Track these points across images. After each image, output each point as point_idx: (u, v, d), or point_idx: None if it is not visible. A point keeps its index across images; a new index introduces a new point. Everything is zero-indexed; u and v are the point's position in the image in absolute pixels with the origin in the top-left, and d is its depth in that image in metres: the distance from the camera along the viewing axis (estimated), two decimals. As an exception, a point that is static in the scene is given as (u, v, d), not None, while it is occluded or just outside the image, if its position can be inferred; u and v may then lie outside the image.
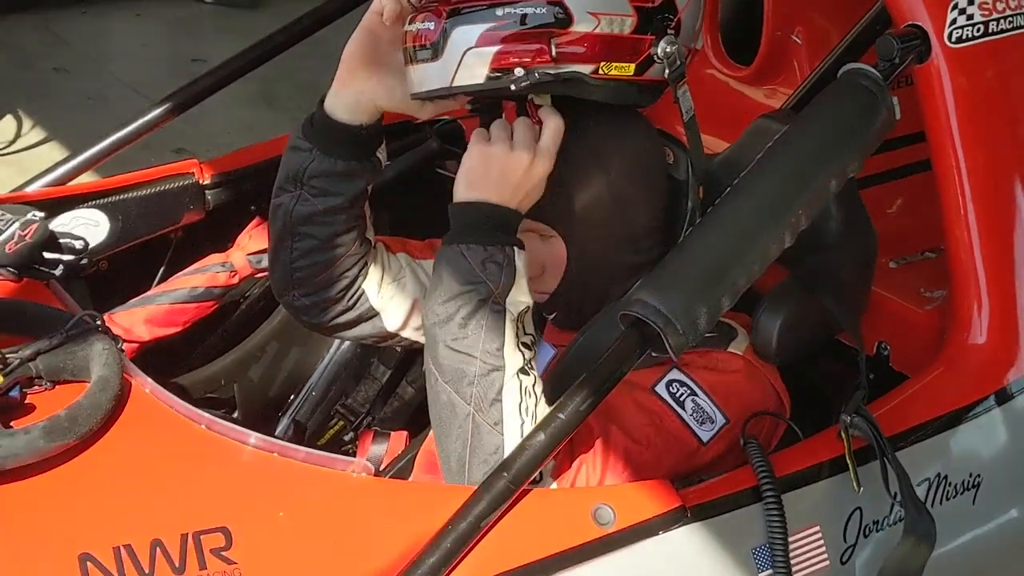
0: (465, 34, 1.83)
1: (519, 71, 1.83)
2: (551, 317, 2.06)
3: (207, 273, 2.57)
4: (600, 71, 1.86)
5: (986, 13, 2.02)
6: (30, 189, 2.43)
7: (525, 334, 1.81)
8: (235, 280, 2.59)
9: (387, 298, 2.12)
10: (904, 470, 1.85)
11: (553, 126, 1.85)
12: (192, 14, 6.09)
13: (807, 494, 1.86)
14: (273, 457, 1.73)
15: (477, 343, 1.75)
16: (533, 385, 1.78)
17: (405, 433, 2.38)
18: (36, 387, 1.74)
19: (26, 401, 1.71)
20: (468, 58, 1.83)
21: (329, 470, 1.72)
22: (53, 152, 4.65)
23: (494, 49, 1.83)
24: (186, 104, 2.60)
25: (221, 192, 2.64)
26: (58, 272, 2.00)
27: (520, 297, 1.81)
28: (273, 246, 2.09)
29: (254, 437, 1.75)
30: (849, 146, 1.87)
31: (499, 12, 1.82)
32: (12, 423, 1.66)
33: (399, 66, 1.92)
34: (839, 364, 2.18)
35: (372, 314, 2.11)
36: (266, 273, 2.62)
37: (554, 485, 1.78)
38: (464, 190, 1.83)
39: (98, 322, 1.77)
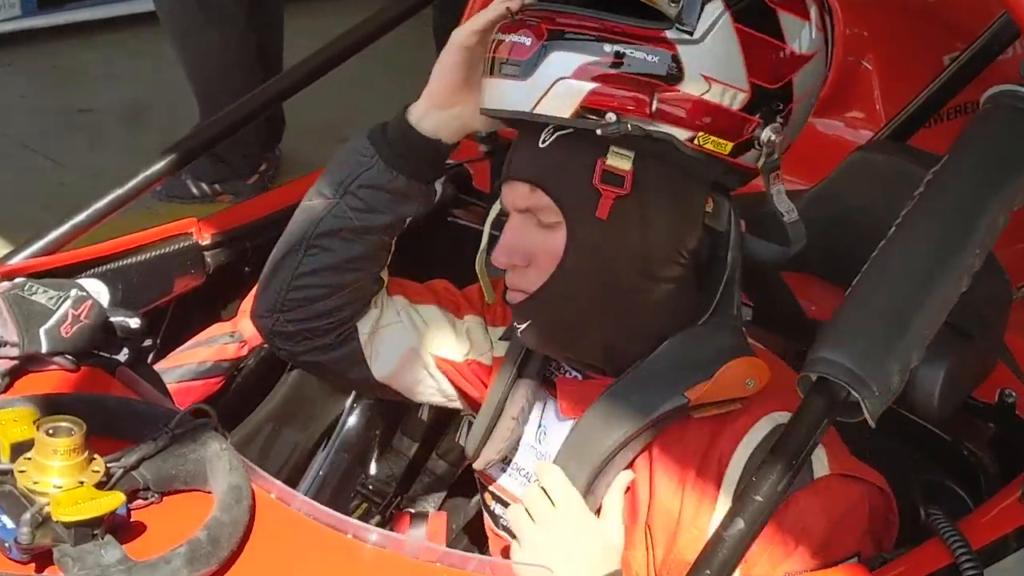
0: (563, 60, 1.64)
1: (611, 116, 1.62)
2: (520, 329, 1.75)
3: (214, 345, 2.27)
4: (696, 141, 1.65)
5: None
6: (16, 260, 2.10)
7: None
8: (244, 351, 2.30)
9: (377, 344, 1.89)
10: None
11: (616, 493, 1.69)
12: (72, 63, 5.69)
13: (1001, 570, 1.67)
14: (436, 567, 1.44)
15: None
16: None
17: (445, 515, 2.15)
18: (140, 500, 1.42)
19: (132, 519, 1.39)
20: (559, 87, 1.64)
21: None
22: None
23: (590, 86, 1.63)
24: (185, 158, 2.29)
25: (220, 253, 2.36)
26: (124, 358, 1.67)
27: None
28: (276, 256, 1.86)
29: (421, 548, 1.46)
30: (1013, 176, 1.68)
31: (606, 48, 1.62)
32: (124, 546, 1.33)
33: None
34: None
35: (358, 358, 1.88)
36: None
37: None
38: None
39: (208, 418, 1.47)
